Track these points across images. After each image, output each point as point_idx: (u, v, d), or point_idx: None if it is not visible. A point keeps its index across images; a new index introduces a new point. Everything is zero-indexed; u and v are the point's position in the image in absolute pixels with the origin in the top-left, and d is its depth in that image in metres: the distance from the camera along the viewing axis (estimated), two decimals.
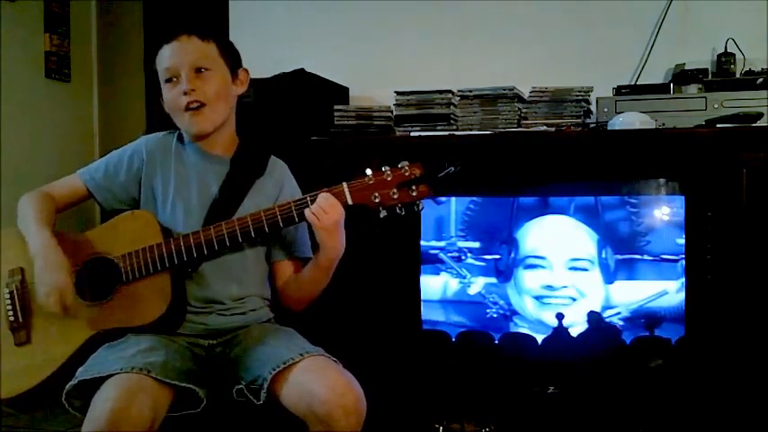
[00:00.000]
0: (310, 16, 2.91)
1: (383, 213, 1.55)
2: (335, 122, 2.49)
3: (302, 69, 2.54)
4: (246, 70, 1.77)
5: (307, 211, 1.54)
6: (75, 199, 1.75)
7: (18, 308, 1.62)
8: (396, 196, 1.53)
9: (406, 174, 1.53)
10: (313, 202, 1.55)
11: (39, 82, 3.36)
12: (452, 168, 1.53)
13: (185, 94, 1.63)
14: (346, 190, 1.55)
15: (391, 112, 2.49)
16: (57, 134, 3.46)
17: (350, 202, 1.54)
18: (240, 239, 1.59)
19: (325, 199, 1.54)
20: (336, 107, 2.51)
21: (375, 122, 2.48)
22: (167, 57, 1.67)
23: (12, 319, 1.62)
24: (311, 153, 2.32)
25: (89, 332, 1.58)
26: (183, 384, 1.45)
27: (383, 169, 1.54)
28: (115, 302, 1.59)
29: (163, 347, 1.52)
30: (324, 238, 1.56)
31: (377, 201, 1.53)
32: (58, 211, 1.70)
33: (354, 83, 2.77)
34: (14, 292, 1.63)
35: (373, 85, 2.77)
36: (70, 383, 1.44)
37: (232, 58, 1.73)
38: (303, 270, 1.71)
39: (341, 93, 2.72)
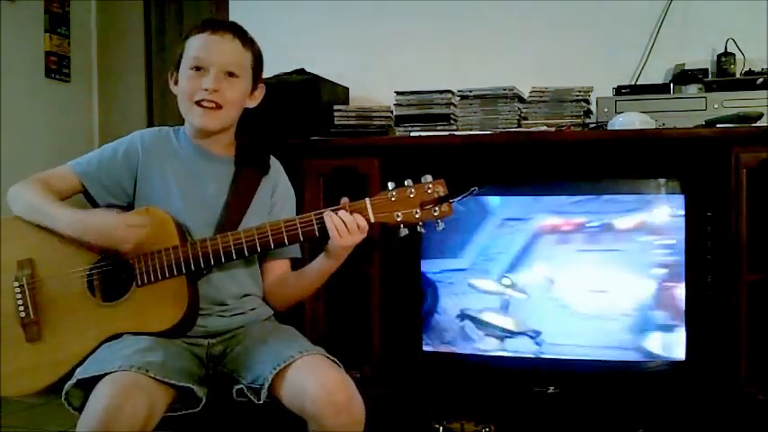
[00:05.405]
0: (310, 16, 2.90)
1: (404, 232, 1.53)
2: (335, 122, 2.48)
3: (302, 69, 2.54)
4: (263, 86, 1.74)
5: (331, 230, 1.51)
6: (69, 192, 1.70)
7: (29, 302, 1.56)
8: (418, 215, 1.50)
9: (429, 191, 1.51)
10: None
11: (39, 82, 3.37)
12: (476, 189, 1.51)
13: (206, 90, 1.61)
14: (369, 207, 1.52)
15: (391, 112, 2.49)
16: (57, 134, 3.46)
17: (372, 219, 1.53)
18: (259, 249, 1.56)
19: (354, 220, 1.51)
20: (336, 107, 2.51)
21: (375, 122, 2.48)
22: (203, 46, 1.63)
23: (23, 314, 1.56)
24: (311, 153, 2.32)
25: (103, 334, 1.53)
26: (182, 384, 1.44)
27: (406, 185, 1.52)
28: (129, 305, 1.55)
29: (161, 347, 1.51)
30: (339, 253, 1.57)
31: (399, 219, 1.51)
32: None
33: (354, 83, 2.77)
34: (25, 285, 1.57)
35: (373, 85, 2.76)
36: (69, 383, 1.43)
37: (259, 73, 1.72)
38: (303, 272, 1.69)
39: (341, 93, 2.72)
